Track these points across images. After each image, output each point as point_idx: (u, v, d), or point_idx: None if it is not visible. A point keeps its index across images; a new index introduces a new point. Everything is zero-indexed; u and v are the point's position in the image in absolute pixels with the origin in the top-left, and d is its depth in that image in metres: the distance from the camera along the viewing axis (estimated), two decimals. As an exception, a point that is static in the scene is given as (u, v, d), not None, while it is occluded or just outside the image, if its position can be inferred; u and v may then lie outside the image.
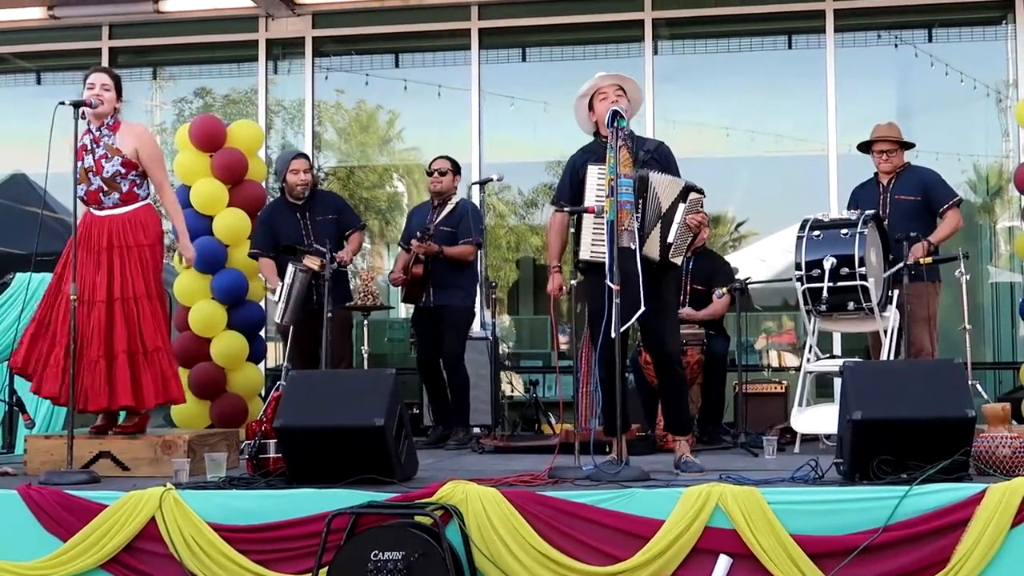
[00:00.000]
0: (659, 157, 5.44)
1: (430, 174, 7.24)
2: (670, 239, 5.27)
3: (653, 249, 5.27)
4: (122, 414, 5.89)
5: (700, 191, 5.34)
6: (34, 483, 4.85)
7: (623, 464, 4.82)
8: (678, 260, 5.35)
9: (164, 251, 5.89)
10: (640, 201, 5.21)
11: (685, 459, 5.32)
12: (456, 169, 7.27)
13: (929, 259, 6.25)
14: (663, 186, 5.27)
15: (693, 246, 5.45)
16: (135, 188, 5.72)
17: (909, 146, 6.78)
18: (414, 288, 7.07)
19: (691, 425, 5.71)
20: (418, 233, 6.96)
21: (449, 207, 7.18)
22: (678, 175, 5.45)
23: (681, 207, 5.27)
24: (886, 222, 6.49)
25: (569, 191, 5.44)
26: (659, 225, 5.26)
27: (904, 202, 6.60)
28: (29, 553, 4.61)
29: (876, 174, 6.78)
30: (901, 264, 6.19)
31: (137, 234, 5.66)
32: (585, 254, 5.28)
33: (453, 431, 7.09)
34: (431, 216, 7.17)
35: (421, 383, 7.42)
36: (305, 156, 7.24)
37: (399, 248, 7.46)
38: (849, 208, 6.76)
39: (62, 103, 5.44)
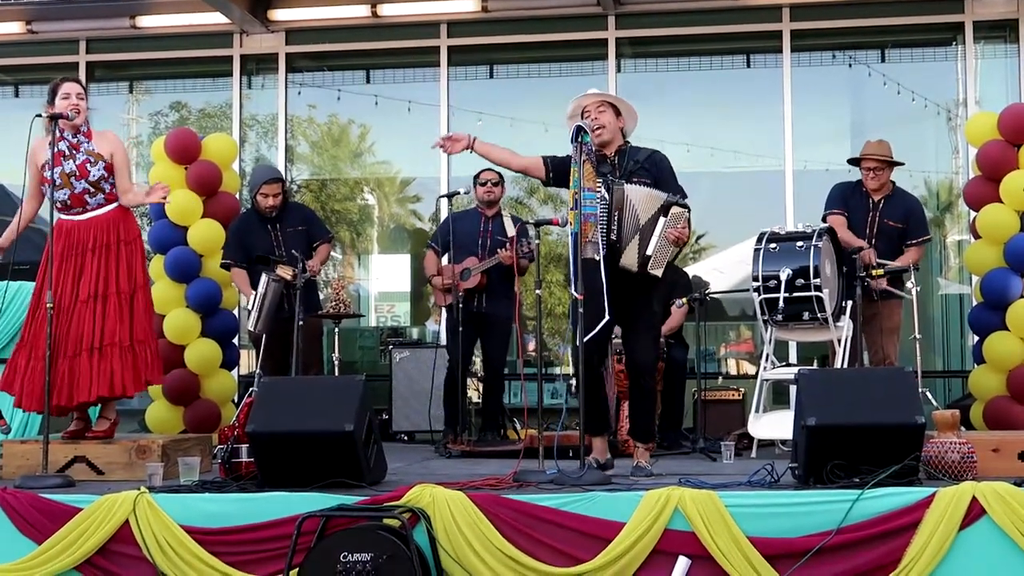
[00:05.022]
0: (649, 166, 5.52)
1: (482, 184, 7.35)
2: (648, 251, 5.35)
3: (631, 260, 5.36)
4: (93, 419, 5.94)
5: (684, 205, 5.41)
6: (9, 487, 4.87)
7: (585, 468, 4.92)
8: (658, 272, 5.42)
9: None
10: (617, 213, 5.31)
11: (638, 464, 5.45)
12: (503, 181, 7.45)
13: (881, 271, 6.37)
14: (640, 199, 5.35)
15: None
16: (114, 189, 5.81)
17: (897, 164, 6.88)
18: (456, 294, 7.07)
19: (652, 435, 5.77)
20: (508, 246, 7.09)
21: (506, 220, 7.38)
22: (673, 179, 5.54)
23: (662, 220, 5.34)
24: (872, 242, 6.62)
25: (559, 161, 5.54)
26: (637, 237, 5.34)
27: (892, 228, 6.74)
28: (3, 556, 4.63)
29: (862, 183, 6.85)
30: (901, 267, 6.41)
31: (120, 231, 5.75)
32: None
33: (484, 434, 7.20)
34: (487, 226, 7.32)
35: (451, 386, 7.23)
36: (278, 180, 7.22)
37: (428, 249, 7.53)
38: (834, 206, 6.81)
39: (39, 115, 5.51)
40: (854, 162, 6.94)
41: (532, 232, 6.14)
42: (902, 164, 6.94)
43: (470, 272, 7.17)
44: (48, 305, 5.36)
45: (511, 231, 7.30)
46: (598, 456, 5.49)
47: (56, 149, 5.55)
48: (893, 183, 6.90)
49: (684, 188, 5.55)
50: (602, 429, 5.64)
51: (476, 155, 5.63)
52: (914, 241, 6.79)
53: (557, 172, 5.55)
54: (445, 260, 7.41)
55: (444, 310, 7.51)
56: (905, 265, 6.60)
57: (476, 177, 7.50)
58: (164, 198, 5.84)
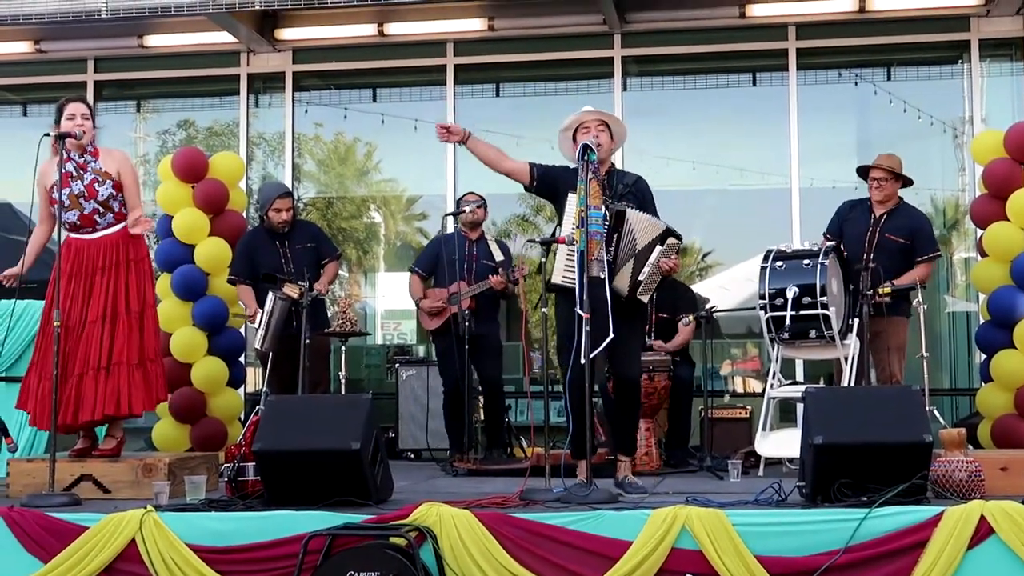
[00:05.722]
0: (636, 192, 5.55)
1: (465, 206, 7.35)
2: (641, 277, 5.39)
3: (623, 284, 5.38)
4: (100, 437, 5.95)
5: (678, 236, 5.46)
6: (16, 505, 4.88)
7: (592, 487, 4.92)
8: (645, 298, 5.47)
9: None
10: (615, 235, 5.32)
11: (628, 480, 5.45)
12: (485, 203, 7.46)
13: (888, 288, 6.37)
14: (641, 225, 5.39)
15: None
16: (123, 208, 5.84)
17: (907, 182, 6.85)
18: (456, 317, 7.12)
19: (635, 448, 5.83)
20: (500, 272, 7.13)
21: (491, 243, 7.42)
22: (654, 209, 5.58)
23: (658, 249, 5.39)
24: (870, 255, 6.61)
25: (544, 169, 5.59)
26: (632, 262, 5.38)
27: (892, 242, 6.69)
28: (10, 575, 4.63)
29: (870, 199, 6.86)
30: (876, 290, 6.32)
31: (129, 251, 5.77)
32: (556, 278, 5.40)
33: (490, 452, 7.22)
34: (471, 250, 7.34)
35: (450, 409, 7.31)
36: (289, 194, 7.31)
37: (412, 273, 7.53)
38: (828, 228, 6.84)
39: (47, 135, 5.54)
40: (863, 173, 6.92)
41: (538, 250, 6.16)
42: (911, 181, 6.90)
43: (459, 297, 7.18)
44: (55, 324, 5.37)
45: (497, 255, 7.35)
46: (582, 476, 5.40)
47: (64, 170, 5.58)
48: (901, 199, 6.88)
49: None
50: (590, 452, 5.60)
51: (468, 151, 5.59)
52: (923, 258, 6.74)
53: (542, 180, 5.58)
54: (430, 284, 7.45)
55: (432, 335, 7.51)
56: (912, 282, 6.59)
57: (459, 200, 7.54)
58: (147, 230, 5.93)
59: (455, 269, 7.16)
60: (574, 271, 5.19)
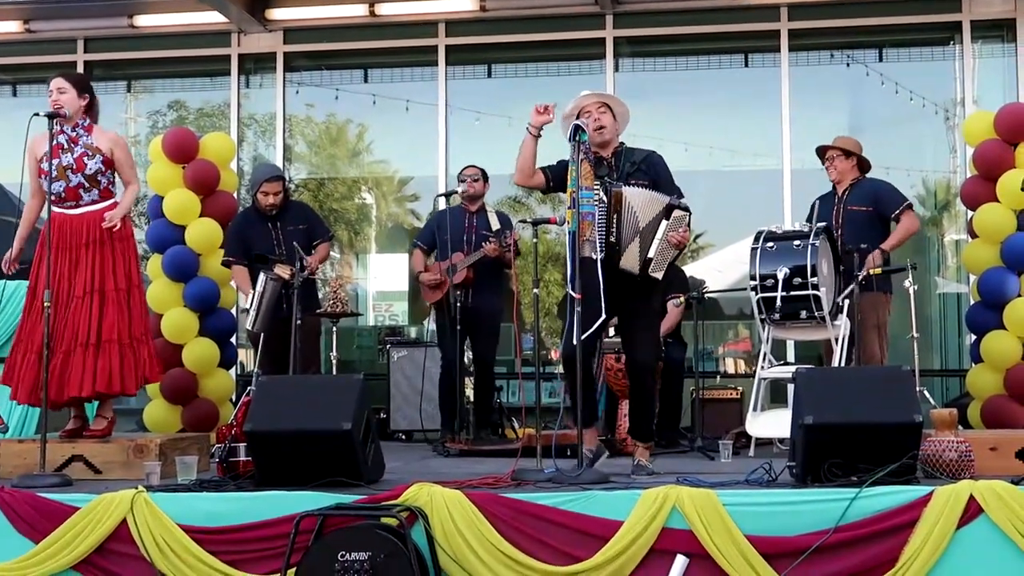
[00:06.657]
0: (647, 167, 5.52)
1: (463, 180, 7.33)
2: (650, 254, 5.35)
3: (632, 263, 5.35)
4: (91, 417, 5.95)
5: (685, 208, 5.41)
6: (7, 486, 4.87)
7: (583, 467, 4.93)
8: (658, 275, 5.42)
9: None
10: (615, 216, 5.30)
11: (639, 463, 5.45)
12: (486, 176, 7.42)
13: (879, 270, 6.36)
14: (640, 202, 5.34)
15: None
16: (110, 186, 5.84)
17: (864, 164, 6.86)
18: (450, 290, 7.10)
19: (652, 435, 5.77)
20: (492, 239, 7.07)
21: (491, 214, 7.37)
22: (670, 180, 5.54)
23: (664, 223, 5.35)
24: (840, 232, 6.60)
25: (555, 168, 5.56)
26: (637, 240, 5.34)
27: (856, 213, 6.69)
28: (1, 555, 4.63)
29: (835, 186, 6.89)
30: (860, 274, 6.31)
31: (113, 229, 5.72)
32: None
33: (479, 432, 7.19)
34: (471, 221, 7.30)
35: (446, 385, 7.25)
36: (279, 178, 7.22)
37: (415, 247, 7.50)
38: (809, 218, 6.85)
39: (36, 114, 5.52)
40: (821, 156, 6.93)
41: (530, 231, 6.14)
42: (867, 164, 6.88)
43: (456, 268, 7.16)
44: (46, 304, 5.35)
45: (495, 224, 7.31)
46: (589, 446, 5.41)
47: (55, 142, 5.57)
48: (863, 176, 6.88)
49: (681, 188, 5.57)
50: (592, 420, 5.61)
51: (524, 140, 5.50)
52: (896, 212, 6.68)
53: (556, 178, 5.56)
54: (432, 258, 7.43)
55: (434, 308, 7.51)
56: (900, 240, 6.60)
57: (460, 173, 7.51)
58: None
59: (452, 241, 7.12)
60: (581, 252, 5.16)
